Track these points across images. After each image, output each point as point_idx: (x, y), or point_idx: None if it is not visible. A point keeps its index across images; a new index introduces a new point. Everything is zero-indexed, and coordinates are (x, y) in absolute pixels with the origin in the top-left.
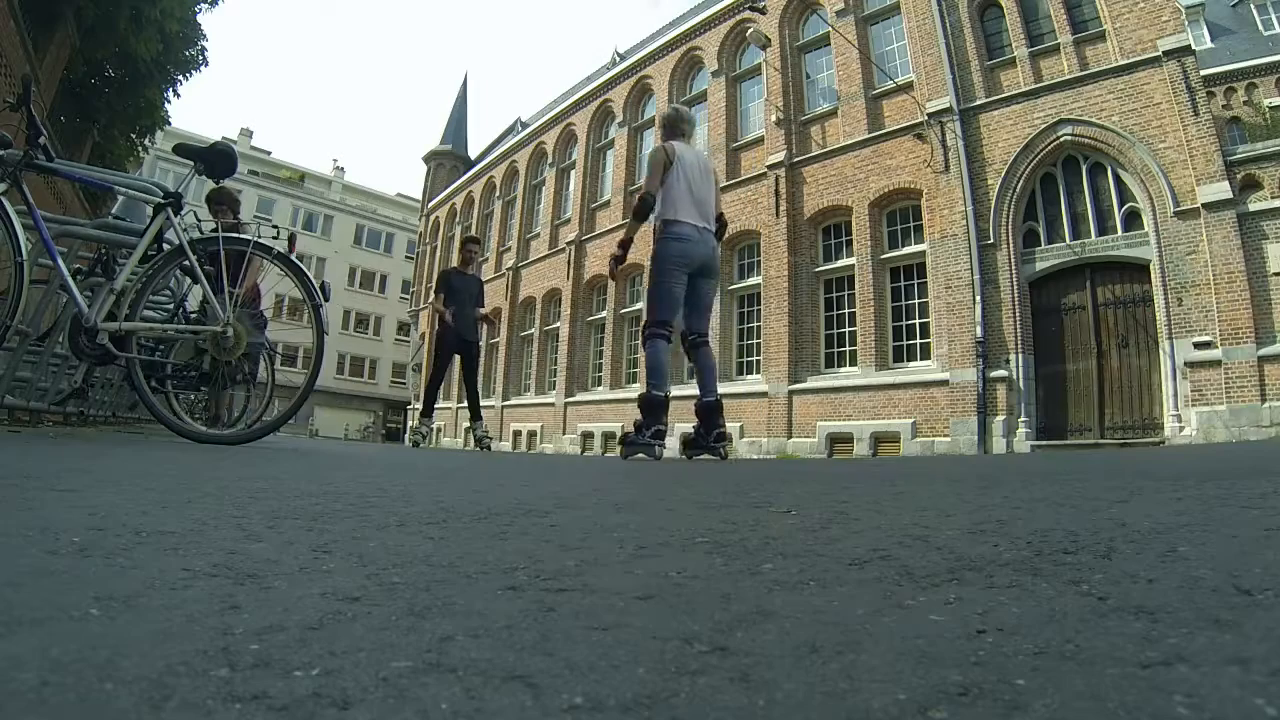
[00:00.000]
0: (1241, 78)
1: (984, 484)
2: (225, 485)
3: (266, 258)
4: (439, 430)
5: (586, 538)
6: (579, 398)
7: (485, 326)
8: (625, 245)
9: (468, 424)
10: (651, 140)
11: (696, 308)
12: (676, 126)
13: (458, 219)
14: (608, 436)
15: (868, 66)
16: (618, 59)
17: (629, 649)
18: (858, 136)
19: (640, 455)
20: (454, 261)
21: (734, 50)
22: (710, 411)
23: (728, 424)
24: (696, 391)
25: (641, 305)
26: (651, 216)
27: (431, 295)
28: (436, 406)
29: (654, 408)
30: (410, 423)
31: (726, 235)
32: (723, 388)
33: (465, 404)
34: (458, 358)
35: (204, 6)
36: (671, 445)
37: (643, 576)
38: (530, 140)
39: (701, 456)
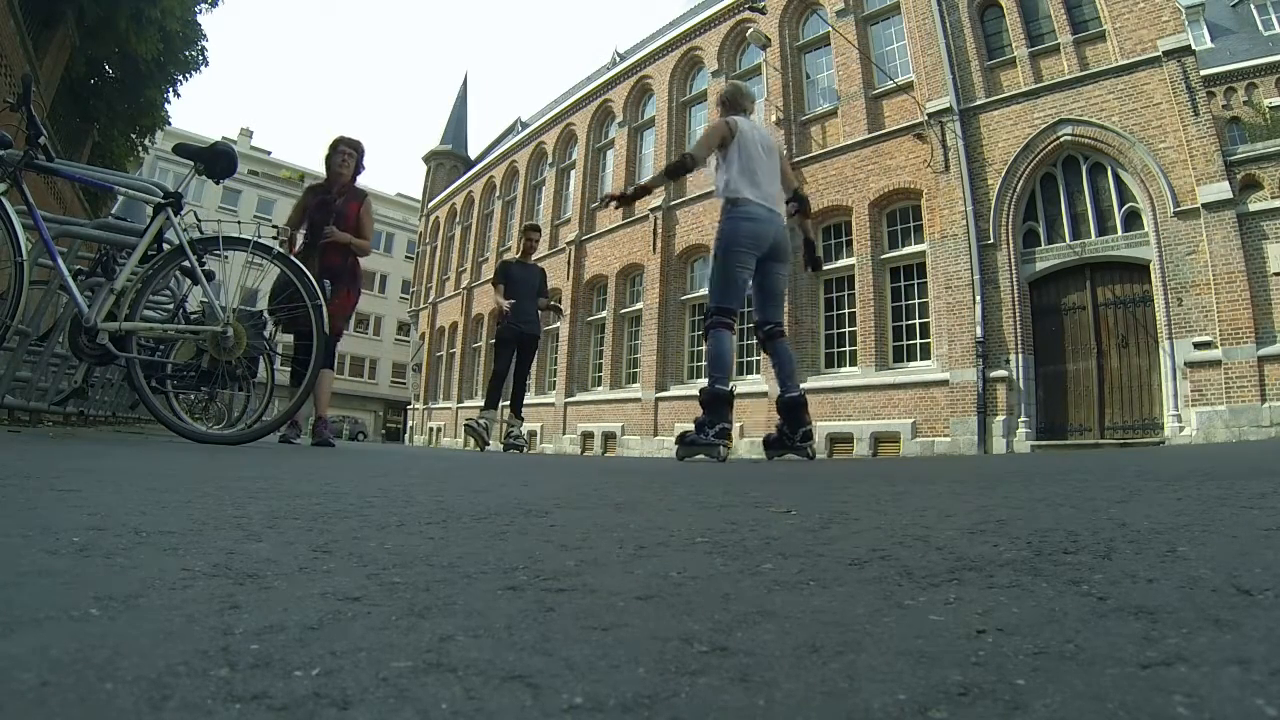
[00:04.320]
0: (1241, 78)
1: (984, 484)
2: (225, 485)
3: (267, 258)
4: (439, 430)
5: (586, 538)
6: (579, 398)
7: (552, 315)
8: (641, 192)
9: (468, 420)
10: (652, 140)
11: (771, 295)
12: (737, 103)
13: (458, 219)
14: (607, 436)
15: (868, 66)
16: (618, 59)
17: (629, 649)
18: (858, 136)
19: (701, 456)
20: (469, 258)
21: (734, 50)
22: (793, 408)
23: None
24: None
25: (640, 305)
26: (717, 193)
27: (491, 288)
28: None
29: (717, 403)
30: (479, 420)
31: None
32: None
33: (465, 402)
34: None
35: (204, 6)
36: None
37: (643, 576)
38: (530, 140)
39: (787, 456)
